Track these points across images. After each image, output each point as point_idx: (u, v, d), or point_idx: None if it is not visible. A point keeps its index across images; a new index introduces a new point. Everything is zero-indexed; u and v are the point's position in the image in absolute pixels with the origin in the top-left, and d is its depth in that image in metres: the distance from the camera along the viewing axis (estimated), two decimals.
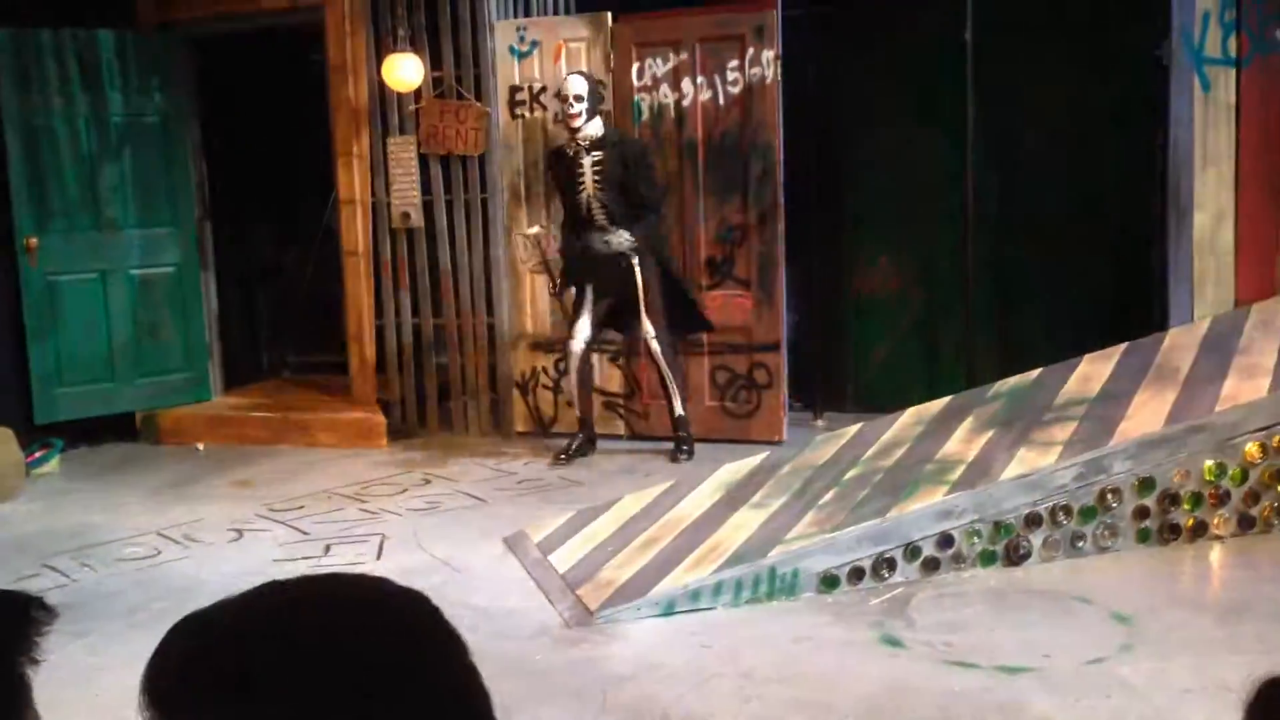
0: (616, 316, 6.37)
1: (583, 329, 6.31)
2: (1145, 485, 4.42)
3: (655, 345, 6.17)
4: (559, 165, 6.28)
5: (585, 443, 6.40)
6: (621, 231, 6.14)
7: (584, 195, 6.14)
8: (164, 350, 7.28)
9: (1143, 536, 4.43)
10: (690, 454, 6.21)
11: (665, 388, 6.26)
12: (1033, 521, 4.36)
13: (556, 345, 6.82)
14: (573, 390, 6.41)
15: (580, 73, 6.23)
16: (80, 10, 6.97)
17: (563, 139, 6.28)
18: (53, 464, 6.63)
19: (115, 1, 7.18)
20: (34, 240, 6.77)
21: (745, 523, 4.62)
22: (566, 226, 6.35)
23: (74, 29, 6.89)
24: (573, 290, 6.39)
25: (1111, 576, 4.24)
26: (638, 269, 6.18)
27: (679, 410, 6.27)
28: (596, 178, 6.11)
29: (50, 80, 6.79)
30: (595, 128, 6.14)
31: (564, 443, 6.42)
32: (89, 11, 7.03)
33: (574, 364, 6.30)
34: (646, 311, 6.17)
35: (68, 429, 6.89)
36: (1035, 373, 5.42)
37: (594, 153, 6.11)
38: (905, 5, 6.73)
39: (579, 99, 6.07)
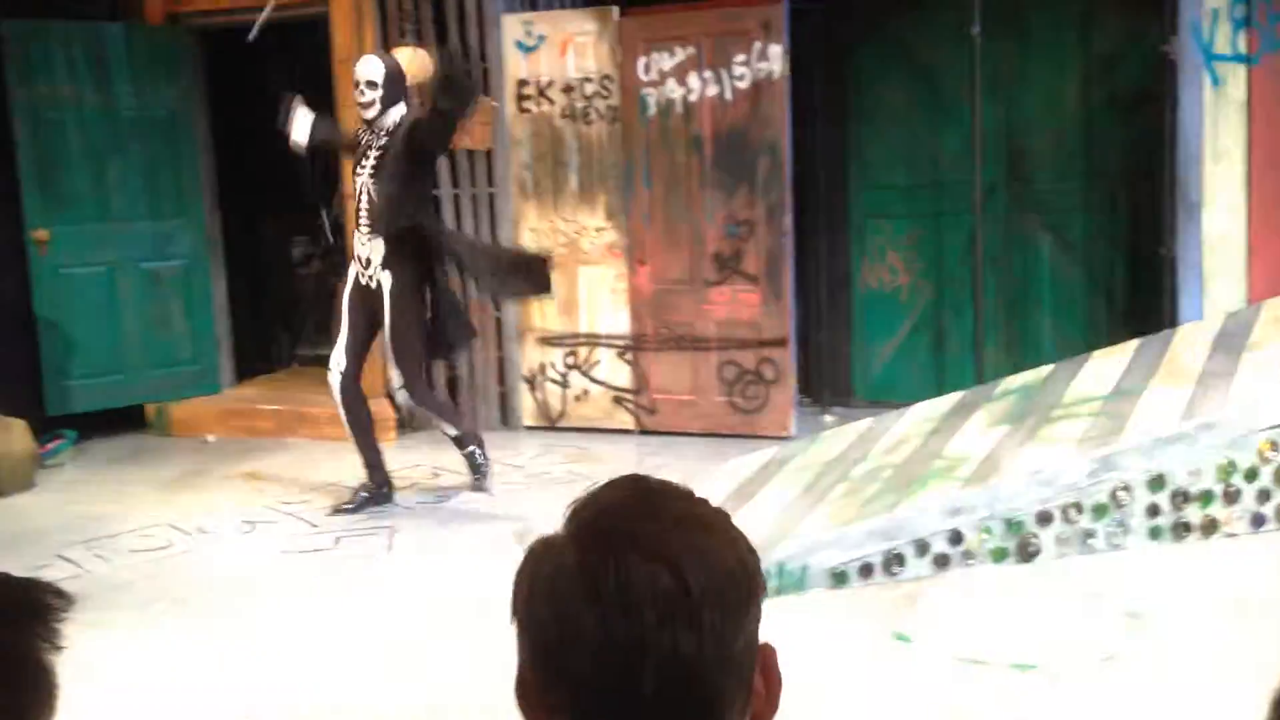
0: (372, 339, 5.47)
1: (338, 358, 5.34)
2: (1157, 482, 4.41)
3: (401, 398, 5.34)
4: (354, 152, 5.48)
5: (377, 491, 5.44)
6: (378, 240, 5.24)
7: (359, 187, 5.35)
8: (174, 342, 7.30)
9: (1155, 534, 4.43)
10: (482, 473, 5.49)
11: (437, 423, 5.51)
12: (1044, 518, 4.35)
13: (565, 340, 6.84)
14: (346, 431, 5.43)
15: (378, 54, 5.47)
16: (89, 3, 6.97)
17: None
18: (65, 455, 6.65)
19: None
20: (44, 233, 6.78)
21: (753, 518, 4.62)
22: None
23: (83, 22, 6.89)
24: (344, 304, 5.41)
25: (1124, 573, 4.24)
26: (387, 294, 5.22)
27: (452, 430, 5.44)
28: (373, 169, 5.26)
29: (59, 73, 6.80)
30: (393, 117, 5.27)
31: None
32: (98, 4, 7.03)
33: (336, 397, 5.35)
34: (394, 354, 5.24)
35: (80, 421, 6.91)
36: (1046, 369, 5.42)
37: (381, 138, 5.28)
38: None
39: (371, 85, 5.23)
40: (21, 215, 6.73)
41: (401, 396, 5.24)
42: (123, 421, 7.15)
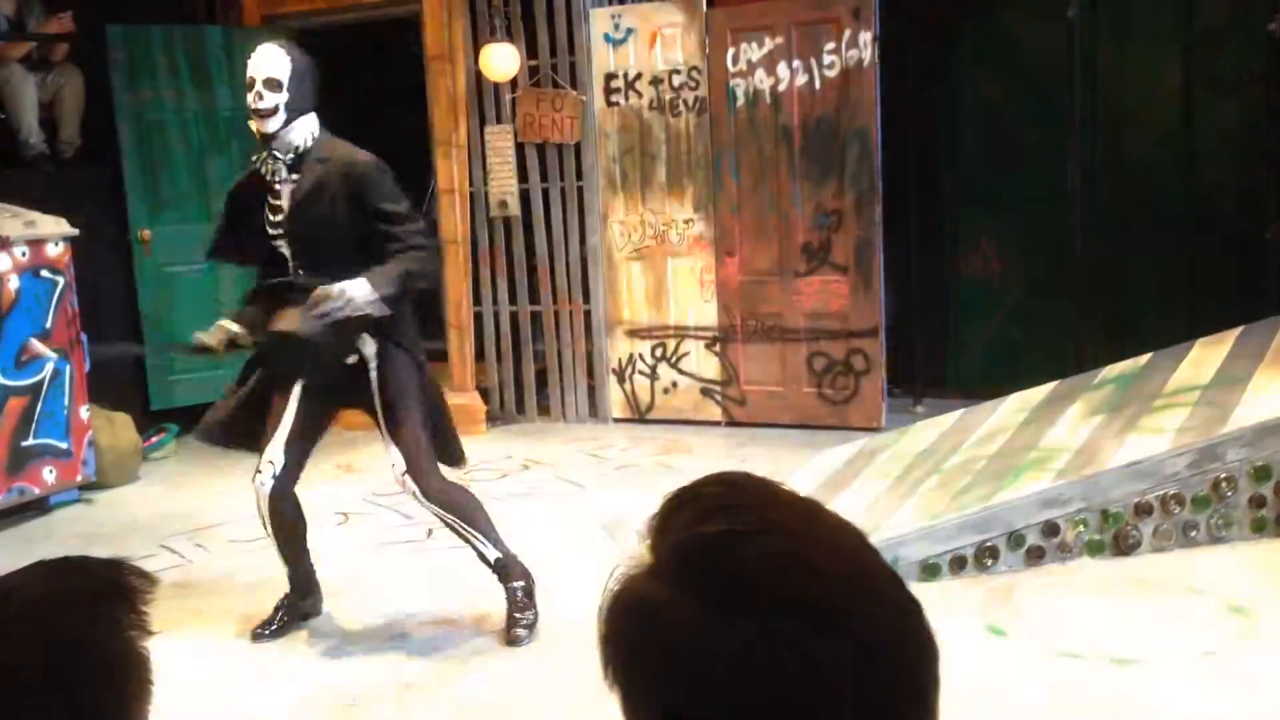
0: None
1: (276, 454, 3.93)
2: (1261, 473, 4.27)
3: (414, 486, 3.92)
4: (248, 193, 3.99)
5: (301, 602, 4.21)
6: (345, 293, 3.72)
7: (281, 242, 3.93)
8: None
9: (1259, 526, 4.29)
10: (530, 625, 4.00)
11: (460, 535, 4.07)
12: (1143, 510, 4.25)
13: (654, 332, 6.85)
14: (271, 538, 4.10)
15: (281, 45, 3.96)
16: (189, 7, 7.17)
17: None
18: (168, 448, 6.86)
19: None
20: (147, 232, 6.98)
21: (843, 510, 4.57)
22: (261, 291, 4.09)
23: (183, 25, 7.08)
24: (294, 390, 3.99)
25: (1226, 567, 4.12)
26: (373, 365, 3.93)
27: (492, 553, 4.02)
28: (295, 216, 3.86)
29: (161, 75, 6.99)
30: (301, 135, 3.89)
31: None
32: (198, 8, 7.22)
33: (263, 507, 3.96)
34: (390, 431, 3.94)
35: (182, 414, 7.10)
36: (1145, 357, 5.28)
37: (293, 175, 3.88)
38: None
39: (272, 86, 3.81)
40: (126, 215, 6.93)
41: (412, 486, 3.93)
42: None
